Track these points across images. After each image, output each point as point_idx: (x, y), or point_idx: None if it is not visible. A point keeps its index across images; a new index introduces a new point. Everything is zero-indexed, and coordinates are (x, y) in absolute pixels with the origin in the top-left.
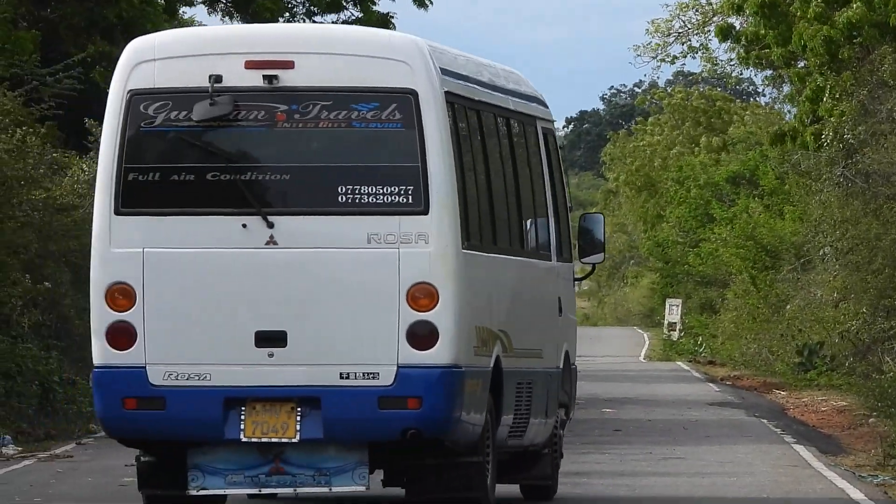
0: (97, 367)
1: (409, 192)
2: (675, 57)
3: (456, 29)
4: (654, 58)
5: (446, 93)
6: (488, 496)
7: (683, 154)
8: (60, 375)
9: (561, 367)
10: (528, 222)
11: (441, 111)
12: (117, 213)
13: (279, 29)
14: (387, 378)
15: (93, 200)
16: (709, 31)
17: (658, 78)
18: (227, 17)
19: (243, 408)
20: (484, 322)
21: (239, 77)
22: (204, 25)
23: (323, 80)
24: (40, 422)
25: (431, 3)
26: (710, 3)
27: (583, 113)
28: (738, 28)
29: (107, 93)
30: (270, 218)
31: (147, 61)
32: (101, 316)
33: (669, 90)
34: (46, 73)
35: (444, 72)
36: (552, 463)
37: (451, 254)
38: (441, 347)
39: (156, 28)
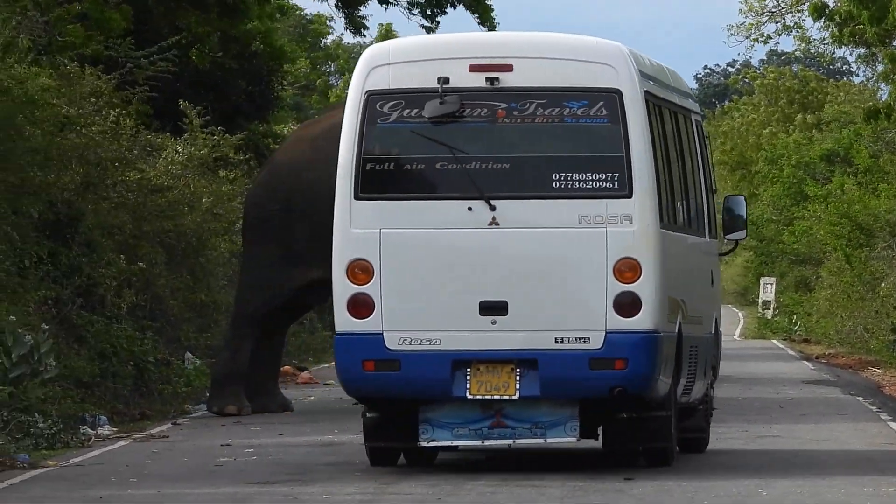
0: (339, 334)
1: (615, 179)
2: (768, 36)
3: (549, 6)
4: (747, 37)
5: (644, 92)
6: (673, 446)
7: (777, 133)
8: (155, 356)
9: (713, 332)
10: (691, 203)
11: (641, 108)
12: (357, 198)
13: (499, 36)
14: (596, 342)
15: (186, 181)
16: (802, 9)
17: (751, 57)
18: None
19: (469, 369)
20: (672, 292)
21: (464, 79)
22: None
23: (538, 81)
24: (135, 402)
25: None
26: None
27: None
28: (831, 6)
29: (202, 73)
30: (493, 202)
31: (382, 65)
32: (342, 289)
33: (762, 70)
34: (141, 55)
35: (642, 74)
36: (705, 418)
37: (652, 232)
38: (643, 315)
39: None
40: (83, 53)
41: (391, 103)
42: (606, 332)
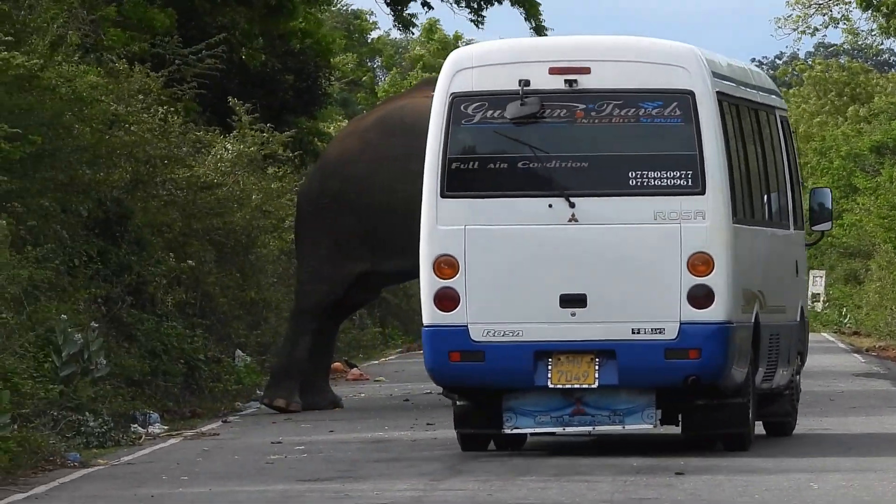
0: (426, 327)
1: (689, 176)
2: (815, 28)
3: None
4: (794, 29)
5: (717, 92)
6: (750, 431)
7: (827, 124)
8: (205, 354)
9: (798, 320)
10: (773, 197)
11: (713, 108)
12: (443, 196)
13: (577, 40)
14: (671, 333)
15: (235, 178)
16: (849, 1)
17: (799, 50)
18: None
19: (550, 359)
20: (747, 284)
21: (544, 81)
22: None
23: (615, 83)
24: (186, 400)
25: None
26: None
27: None
28: None
29: (249, 70)
30: (572, 199)
31: (466, 69)
32: (429, 283)
33: (810, 62)
34: (189, 52)
35: (715, 74)
36: (791, 403)
37: (724, 227)
38: (716, 307)
39: None
40: (130, 51)
41: (475, 105)
42: (681, 324)
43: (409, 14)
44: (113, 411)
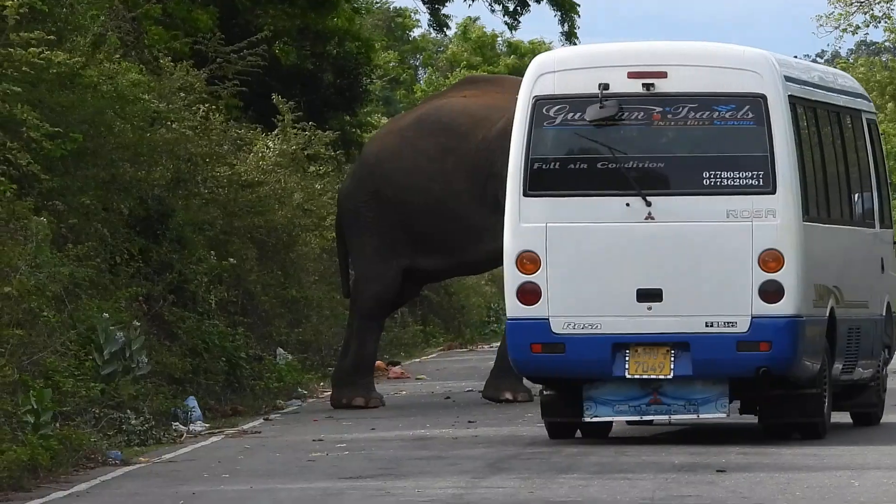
0: (510, 319)
1: (760, 176)
2: (857, 26)
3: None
4: (836, 27)
5: (789, 96)
6: (824, 421)
7: None
8: (247, 352)
9: (884, 315)
10: (856, 197)
11: (785, 111)
12: (525, 195)
13: (655, 46)
14: (743, 326)
15: (277, 177)
16: None
17: (840, 48)
18: None
19: (627, 351)
20: (820, 280)
21: (623, 85)
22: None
23: (690, 87)
24: (227, 398)
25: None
26: None
27: None
28: None
29: (288, 67)
30: (648, 198)
31: (548, 73)
32: (512, 278)
33: (851, 60)
34: (231, 50)
35: (787, 78)
36: (877, 394)
37: (794, 225)
38: (786, 301)
39: None
40: (172, 49)
41: (556, 107)
42: (752, 318)
43: (444, 14)
44: (154, 409)
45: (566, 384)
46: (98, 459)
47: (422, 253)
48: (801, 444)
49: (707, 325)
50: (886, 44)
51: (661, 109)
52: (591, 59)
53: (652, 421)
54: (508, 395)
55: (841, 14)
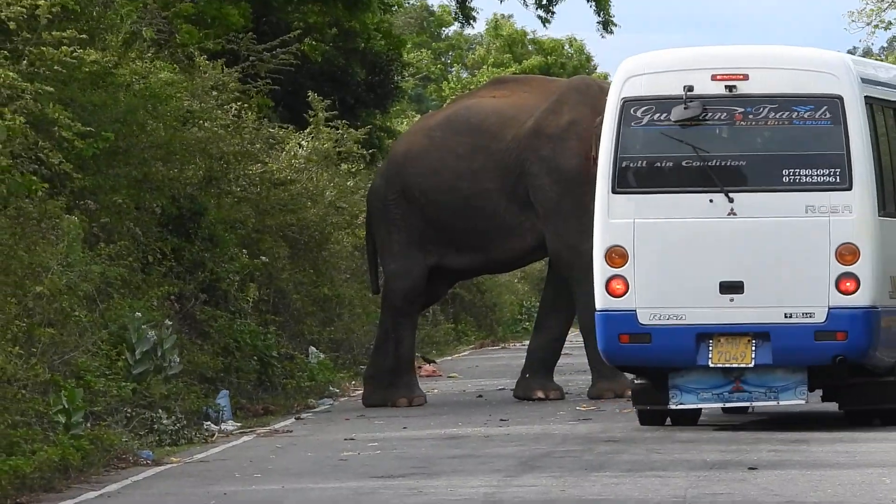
0: (599, 311)
1: (837, 173)
2: (889, 22)
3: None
4: (868, 23)
5: (864, 96)
6: None
7: None
8: (279, 351)
9: None
10: None
11: (861, 111)
12: (613, 192)
13: (737, 50)
14: (820, 317)
15: (309, 175)
16: None
17: (872, 44)
18: None
19: (710, 341)
20: (895, 272)
21: (706, 87)
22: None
23: (771, 89)
24: (259, 397)
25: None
26: None
27: None
28: None
29: (319, 65)
30: (731, 194)
31: (636, 76)
32: (602, 271)
33: (883, 56)
34: (263, 48)
35: (864, 80)
36: None
37: (870, 220)
38: (862, 293)
39: None
40: (205, 47)
41: (643, 108)
42: (829, 308)
43: (471, 8)
44: (186, 409)
45: (653, 373)
46: (129, 459)
47: (451, 251)
48: (832, 442)
49: (786, 316)
50: None
51: (742, 110)
52: (676, 62)
53: (750, 408)
54: (540, 394)
55: (873, 10)
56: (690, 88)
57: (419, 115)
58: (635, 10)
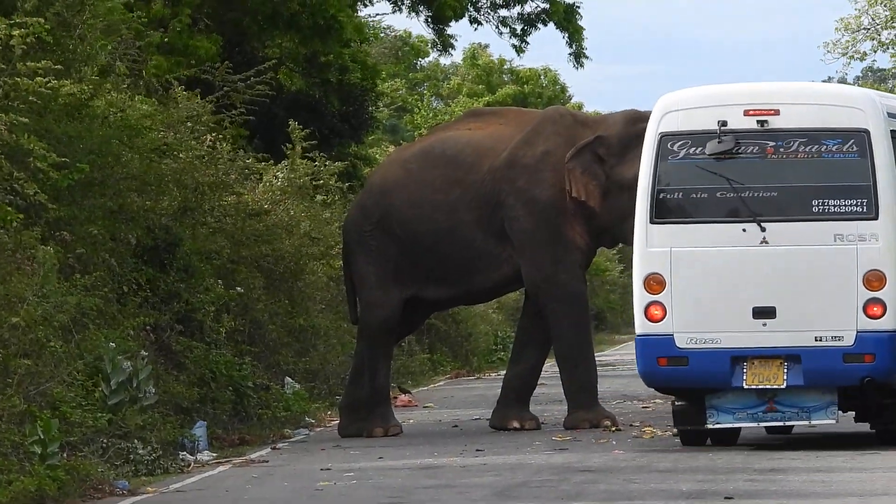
0: (639, 336)
1: (864, 204)
2: (864, 53)
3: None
4: (843, 54)
5: (891, 130)
6: None
7: None
8: (254, 381)
9: None
10: None
11: (887, 144)
12: (652, 222)
13: (769, 87)
14: (849, 340)
15: (285, 206)
16: None
17: (847, 74)
18: (412, 13)
19: (745, 363)
20: None
21: (739, 122)
22: (392, 28)
23: (800, 123)
24: (234, 427)
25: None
26: None
27: None
28: None
29: (293, 94)
30: (763, 224)
31: (673, 111)
32: (640, 298)
33: (860, 85)
34: (238, 79)
35: (890, 114)
36: None
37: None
38: (889, 317)
39: (340, 18)
40: (178, 77)
41: (680, 142)
42: (857, 332)
43: (450, 36)
44: (161, 439)
45: (690, 395)
46: (105, 489)
47: (428, 282)
48: (808, 472)
49: (816, 339)
50: (893, 70)
51: (773, 143)
52: (711, 98)
53: (792, 428)
54: (516, 424)
55: (848, 41)
56: (724, 123)
57: (393, 146)
58: (610, 40)
